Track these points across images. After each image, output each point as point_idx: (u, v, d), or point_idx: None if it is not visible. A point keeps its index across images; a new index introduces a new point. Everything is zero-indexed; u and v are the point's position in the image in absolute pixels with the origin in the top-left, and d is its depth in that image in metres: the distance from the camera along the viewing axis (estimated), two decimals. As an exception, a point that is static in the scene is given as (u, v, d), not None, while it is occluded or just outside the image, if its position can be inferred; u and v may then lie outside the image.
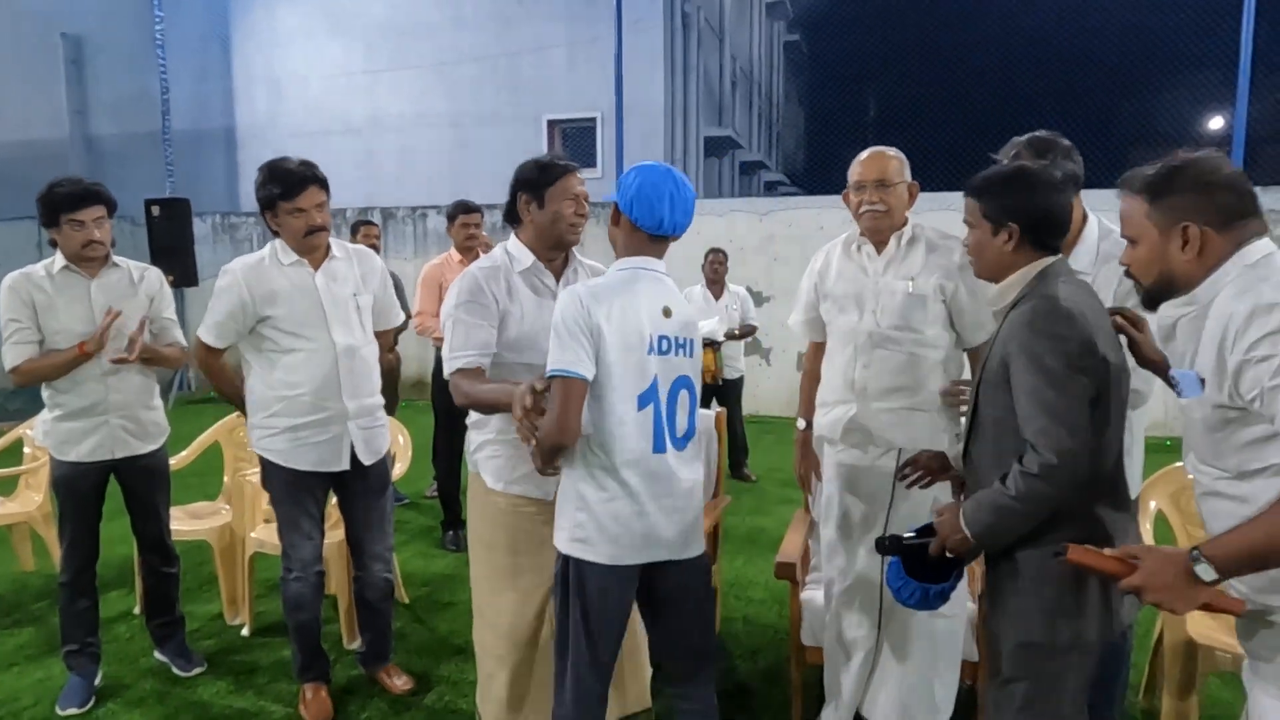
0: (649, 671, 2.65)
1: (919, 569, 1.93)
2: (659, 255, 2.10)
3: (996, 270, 1.85)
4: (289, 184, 2.67)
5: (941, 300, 2.39)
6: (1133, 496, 2.08)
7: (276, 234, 2.78)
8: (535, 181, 2.34)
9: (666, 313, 2.04)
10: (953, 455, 2.09)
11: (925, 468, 2.13)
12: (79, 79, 12.42)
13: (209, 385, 3.07)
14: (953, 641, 2.55)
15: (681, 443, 2.08)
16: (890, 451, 2.47)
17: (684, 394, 2.08)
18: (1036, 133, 2.28)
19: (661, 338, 2.02)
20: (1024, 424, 1.68)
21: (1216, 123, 11.98)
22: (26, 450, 4.20)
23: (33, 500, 4.06)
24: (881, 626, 2.58)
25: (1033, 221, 1.79)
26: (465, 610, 3.75)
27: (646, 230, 2.04)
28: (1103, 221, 2.33)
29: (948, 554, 1.84)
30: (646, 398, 2.01)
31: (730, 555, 4.43)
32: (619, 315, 1.98)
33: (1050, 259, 1.81)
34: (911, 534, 1.95)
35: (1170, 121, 12.12)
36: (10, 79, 12.26)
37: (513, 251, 2.39)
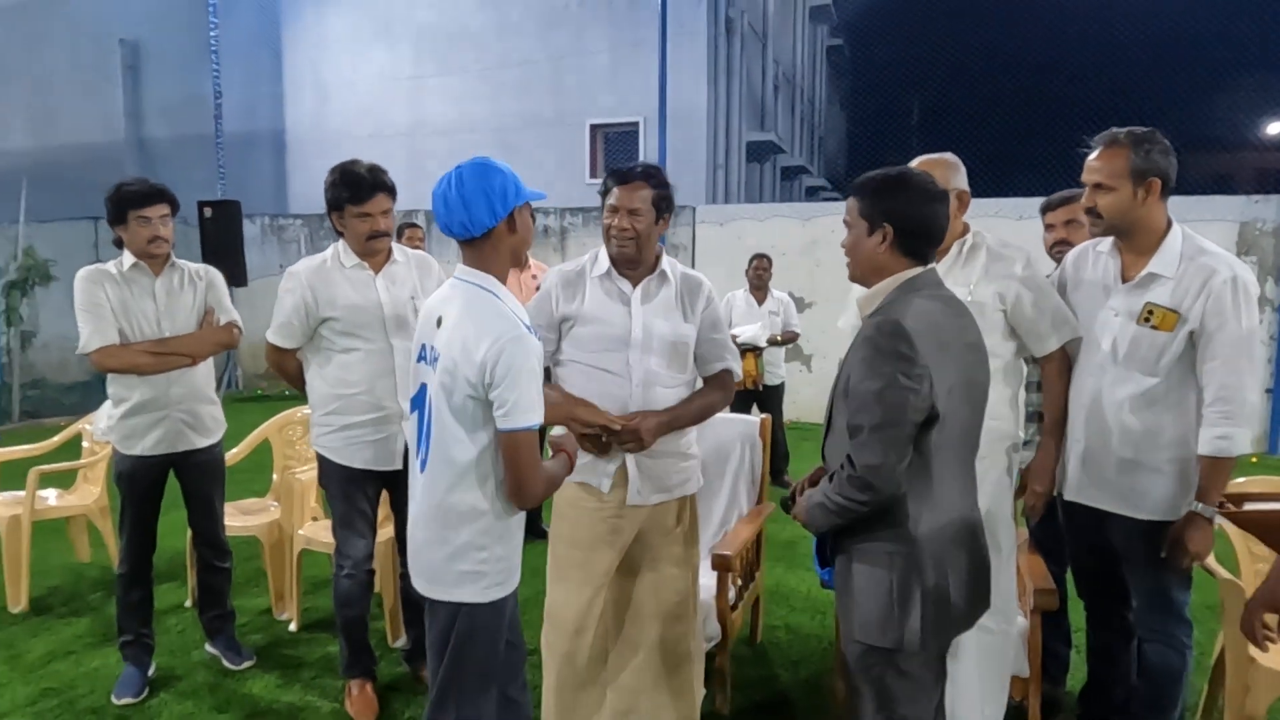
0: (701, 693, 2.65)
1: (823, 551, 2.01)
2: (465, 259, 1.93)
3: (868, 271, 1.87)
4: (358, 189, 2.73)
5: (1001, 309, 2.35)
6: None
7: (341, 234, 2.84)
8: (601, 189, 2.45)
9: (439, 322, 1.92)
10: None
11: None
12: (135, 84, 12.77)
13: (256, 383, 3.13)
14: (999, 656, 2.49)
15: (421, 464, 1.96)
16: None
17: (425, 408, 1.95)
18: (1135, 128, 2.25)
19: (425, 346, 1.96)
20: (849, 434, 1.73)
21: (1274, 127, 11.66)
22: (85, 444, 4.31)
23: (91, 493, 4.17)
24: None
25: (908, 227, 1.79)
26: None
27: None
28: (1187, 232, 2.26)
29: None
30: (415, 403, 2.00)
31: (771, 563, 4.39)
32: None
33: (919, 269, 1.82)
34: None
35: (1226, 126, 11.82)
36: (69, 84, 12.64)
37: (598, 256, 2.49)
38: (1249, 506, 1.51)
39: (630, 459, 2.42)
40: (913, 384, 1.67)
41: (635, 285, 2.45)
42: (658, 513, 2.50)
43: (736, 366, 2.59)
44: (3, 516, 3.87)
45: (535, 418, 1.81)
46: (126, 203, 2.89)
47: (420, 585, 1.98)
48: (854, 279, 1.95)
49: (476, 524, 1.89)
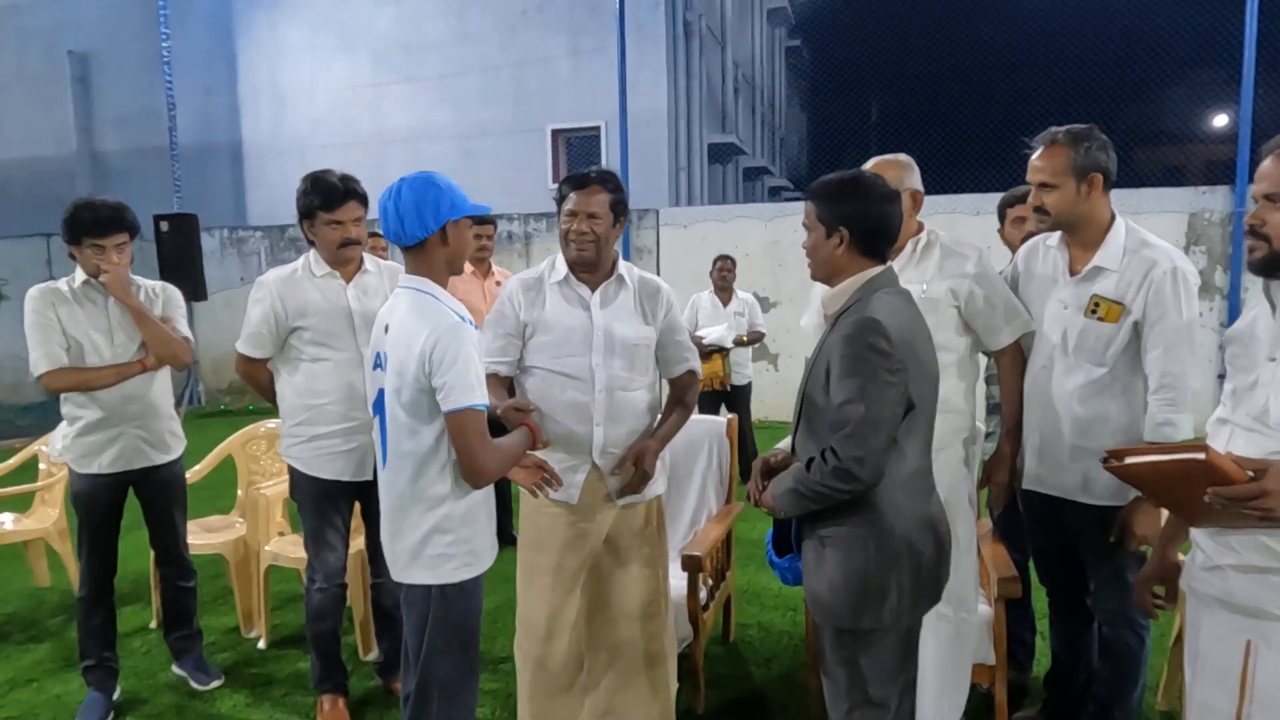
0: (674, 686, 2.66)
1: (782, 541, 2.06)
2: (407, 266, 2.08)
3: (829, 272, 1.94)
4: (330, 196, 2.72)
5: (955, 305, 2.40)
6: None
7: (312, 243, 2.83)
8: (557, 197, 2.48)
9: (387, 329, 2.04)
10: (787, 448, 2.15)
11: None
12: (85, 96, 12.54)
13: (218, 398, 3.08)
14: (958, 645, 2.53)
15: (383, 460, 2.09)
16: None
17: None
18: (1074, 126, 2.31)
19: (378, 353, 2.07)
20: (832, 428, 1.78)
21: (1221, 120, 11.98)
22: (42, 466, 4.22)
23: (49, 516, 4.08)
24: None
25: (863, 229, 1.87)
26: (486, 619, 3.77)
27: None
28: (1130, 225, 2.33)
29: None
30: (376, 408, 2.11)
31: (742, 562, 4.41)
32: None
33: (879, 268, 1.89)
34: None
35: (1175, 120, 12.10)
36: (17, 97, 12.37)
37: (555, 262, 2.52)
38: (1129, 460, 1.58)
39: (601, 464, 2.45)
40: (893, 378, 1.75)
41: (594, 290, 2.47)
42: (625, 515, 2.52)
43: (697, 365, 2.65)
44: (-43, 542, 3.78)
45: (475, 398, 1.90)
46: (82, 230, 2.82)
47: (395, 573, 2.09)
48: (816, 279, 2.01)
49: (439, 510, 2.00)
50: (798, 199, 17.39)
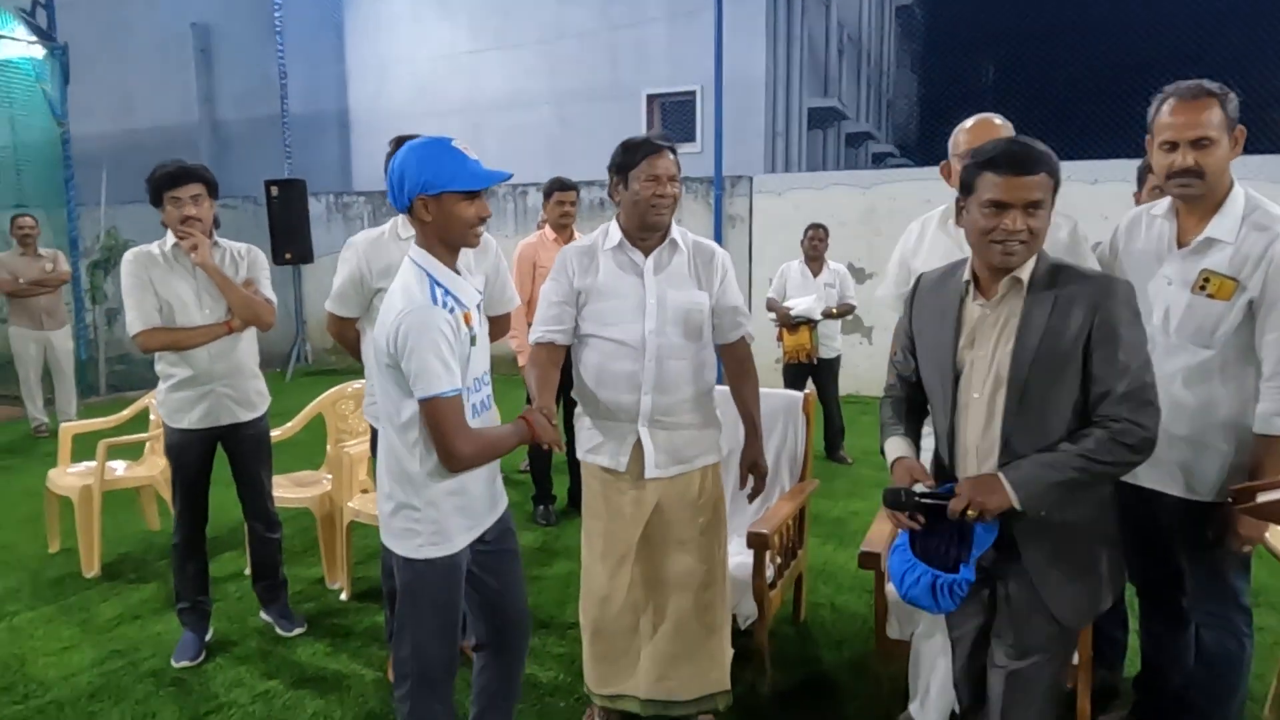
0: (729, 655, 2.63)
1: (929, 549, 1.79)
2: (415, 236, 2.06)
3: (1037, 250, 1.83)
4: None
5: None
6: None
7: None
8: (621, 164, 2.42)
9: None
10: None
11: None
12: (207, 67, 13.16)
13: (324, 358, 3.17)
14: None
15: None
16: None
17: None
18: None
19: None
20: (1119, 401, 1.68)
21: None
22: (152, 417, 4.48)
23: (157, 464, 4.34)
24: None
25: None
26: (553, 584, 3.82)
27: None
28: (1250, 194, 2.10)
29: (967, 518, 1.72)
30: None
31: (820, 540, 4.33)
32: None
33: None
34: (927, 490, 1.79)
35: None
36: (146, 69, 13.10)
37: (609, 230, 2.49)
38: (1263, 498, 1.41)
39: (645, 433, 2.43)
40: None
41: (647, 255, 2.44)
42: (677, 484, 2.49)
43: (750, 328, 2.59)
44: (76, 486, 4.07)
45: (440, 385, 1.85)
46: (160, 184, 2.96)
47: (381, 534, 2.10)
48: (1023, 259, 1.77)
49: (408, 485, 1.99)
50: (905, 165, 16.74)
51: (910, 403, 2.04)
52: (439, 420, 1.87)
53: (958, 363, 1.84)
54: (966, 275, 1.86)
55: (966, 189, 1.79)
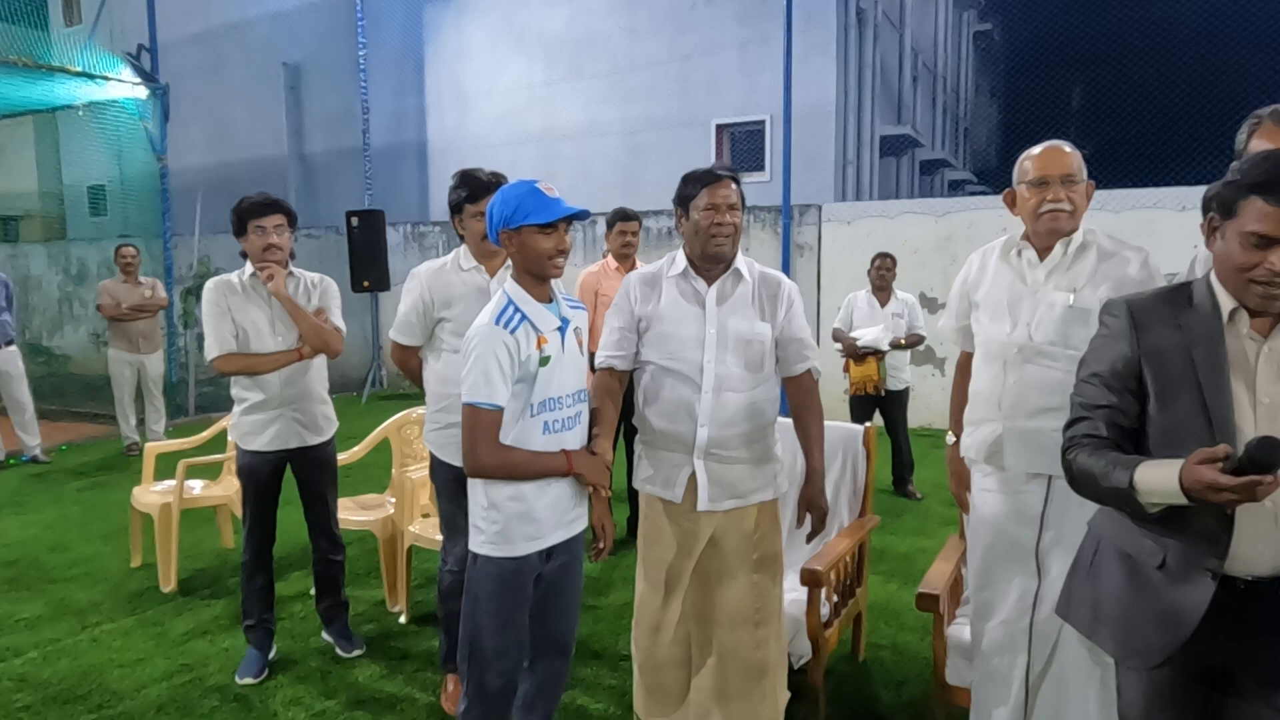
0: (785, 698, 2.58)
1: None
2: None
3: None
4: (476, 189, 2.83)
5: None
6: None
7: (462, 238, 2.94)
8: (682, 195, 2.45)
9: None
10: None
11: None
12: (296, 103, 13.80)
13: (399, 382, 3.26)
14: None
15: None
16: (1039, 478, 2.24)
17: None
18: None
19: None
20: None
21: None
22: (229, 439, 4.67)
23: (232, 484, 4.49)
24: (1030, 667, 2.34)
25: None
26: (608, 615, 3.81)
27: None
28: None
29: None
30: None
31: (884, 578, 4.21)
32: None
33: None
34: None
35: None
36: (242, 105, 13.83)
37: (675, 258, 2.51)
38: None
39: (700, 465, 2.40)
40: None
41: (710, 285, 2.43)
42: (732, 518, 2.46)
43: (817, 362, 2.54)
44: (156, 504, 4.25)
45: (479, 396, 2.03)
46: (246, 214, 3.12)
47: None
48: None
49: (480, 484, 2.14)
50: (983, 193, 16.35)
51: (1119, 448, 1.66)
52: (469, 426, 2.05)
53: (1235, 402, 1.56)
54: (1228, 305, 1.59)
55: (1226, 210, 1.55)
